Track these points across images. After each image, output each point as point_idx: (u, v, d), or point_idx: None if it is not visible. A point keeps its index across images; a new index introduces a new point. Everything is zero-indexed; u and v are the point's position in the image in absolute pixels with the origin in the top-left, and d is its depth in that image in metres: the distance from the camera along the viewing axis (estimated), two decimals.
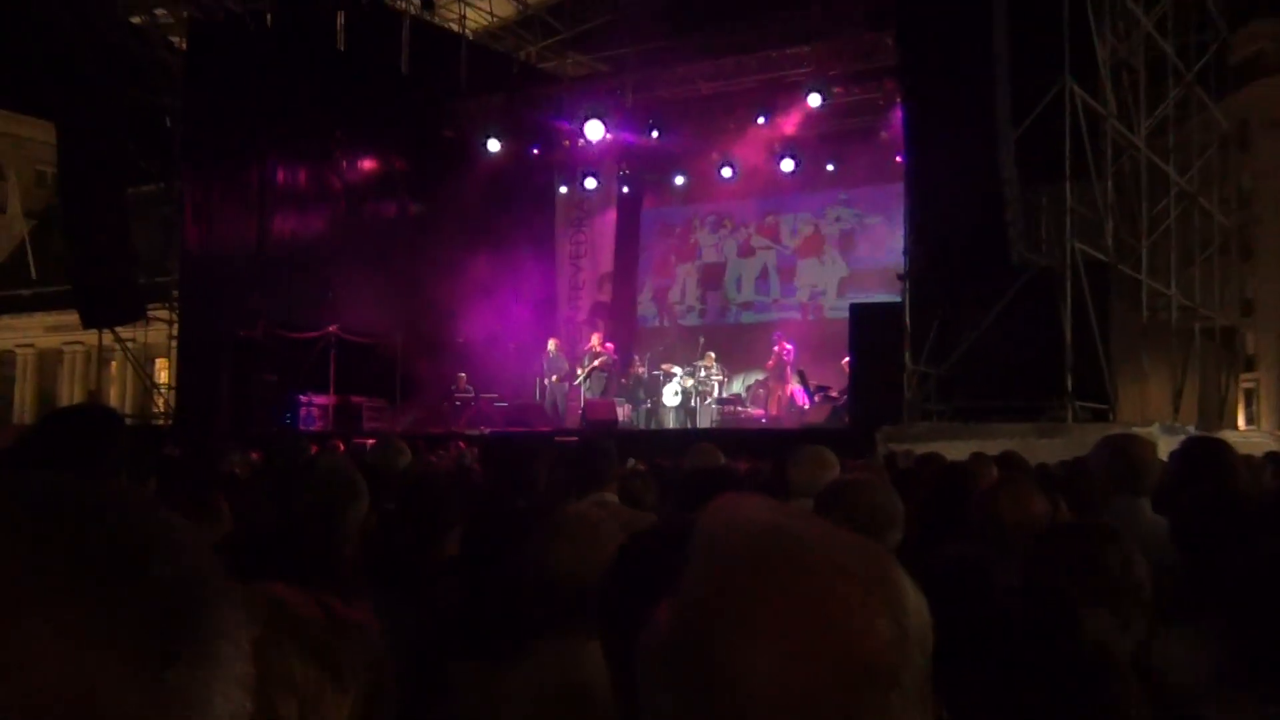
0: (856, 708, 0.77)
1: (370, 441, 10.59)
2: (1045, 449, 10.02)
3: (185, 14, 19.95)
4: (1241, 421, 31.79)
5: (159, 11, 20.02)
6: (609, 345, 20.76)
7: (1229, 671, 2.22)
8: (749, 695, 0.77)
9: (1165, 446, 4.95)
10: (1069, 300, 13.80)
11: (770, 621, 0.78)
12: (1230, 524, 2.90)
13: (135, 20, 19.97)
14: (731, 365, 21.26)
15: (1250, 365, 38.01)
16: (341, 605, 1.31)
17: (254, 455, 9.18)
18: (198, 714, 0.54)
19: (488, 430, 17.60)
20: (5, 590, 0.52)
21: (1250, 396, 38.77)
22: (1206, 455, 4.03)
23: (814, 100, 20.26)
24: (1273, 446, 13.75)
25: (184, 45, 20.36)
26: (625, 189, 24.77)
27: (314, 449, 9.19)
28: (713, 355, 20.50)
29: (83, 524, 0.56)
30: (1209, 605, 2.58)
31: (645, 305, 25.19)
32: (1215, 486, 3.65)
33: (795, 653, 0.77)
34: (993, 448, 8.53)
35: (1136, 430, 10.03)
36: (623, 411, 19.68)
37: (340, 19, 19.71)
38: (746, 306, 24.17)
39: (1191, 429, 15.39)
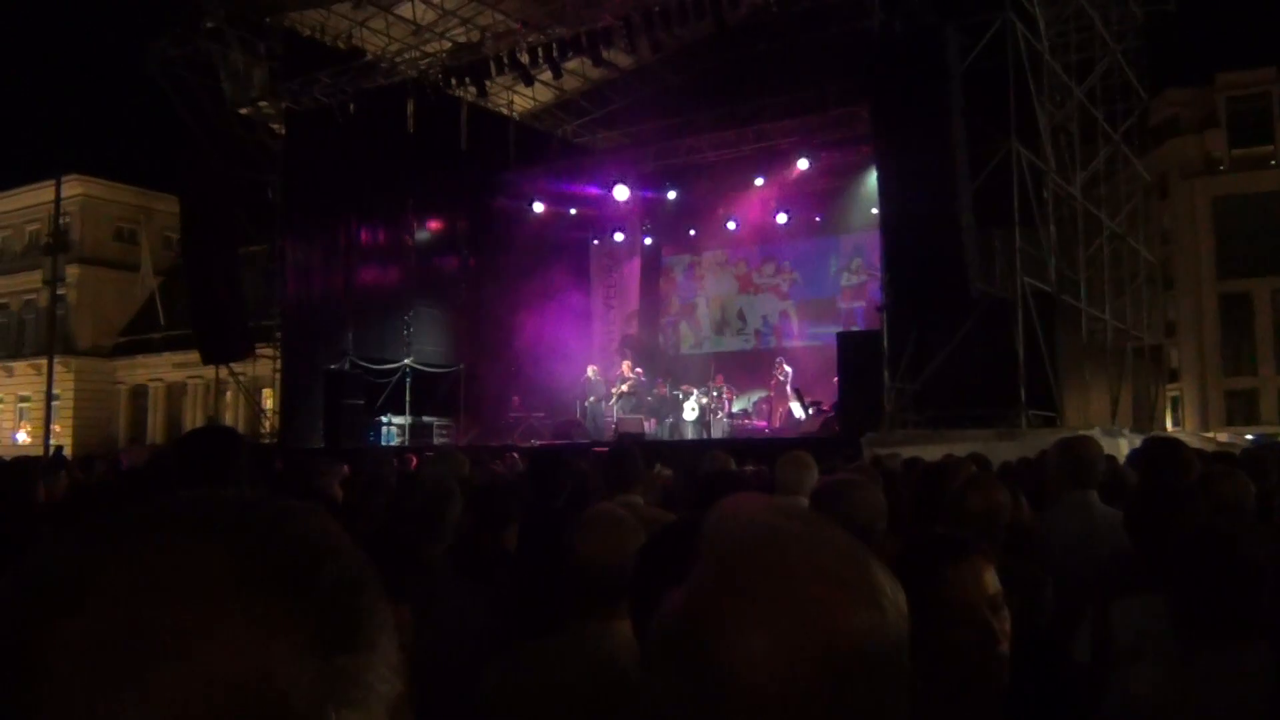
0: (832, 691, 0.74)
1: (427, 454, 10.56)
2: (1004, 450, 9.90)
3: (283, 105, 20.14)
4: (1169, 424, 31.46)
5: (262, 104, 20.22)
6: (637, 370, 20.70)
7: (1159, 631, 2.22)
8: (737, 678, 0.75)
9: (1106, 446, 4.88)
10: (1020, 325, 13.69)
11: (758, 614, 0.76)
12: (1171, 514, 2.85)
13: (243, 111, 20.18)
14: (738, 385, 21.15)
15: (1174, 377, 37.67)
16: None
17: (345, 468, 9.14)
18: (360, 694, 0.54)
19: (537, 443, 17.57)
20: (203, 586, 0.53)
21: (1175, 403, 38.41)
22: (1166, 452, 3.97)
23: (802, 164, 20.28)
24: (1195, 444, 13.55)
25: (283, 131, 20.54)
26: (647, 240, 24.76)
27: (394, 461, 9.17)
28: (722, 377, 20.43)
29: (267, 532, 0.57)
30: (1148, 581, 2.55)
31: (666, 337, 25.13)
32: (1161, 483, 3.59)
33: (778, 642, 0.75)
34: (960, 450, 8.44)
35: (1082, 433, 9.90)
36: (649, 426, 19.59)
37: (410, 106, 19.86)
38: (750, 336, 24.07)
39: (1127, 431, 15.23)
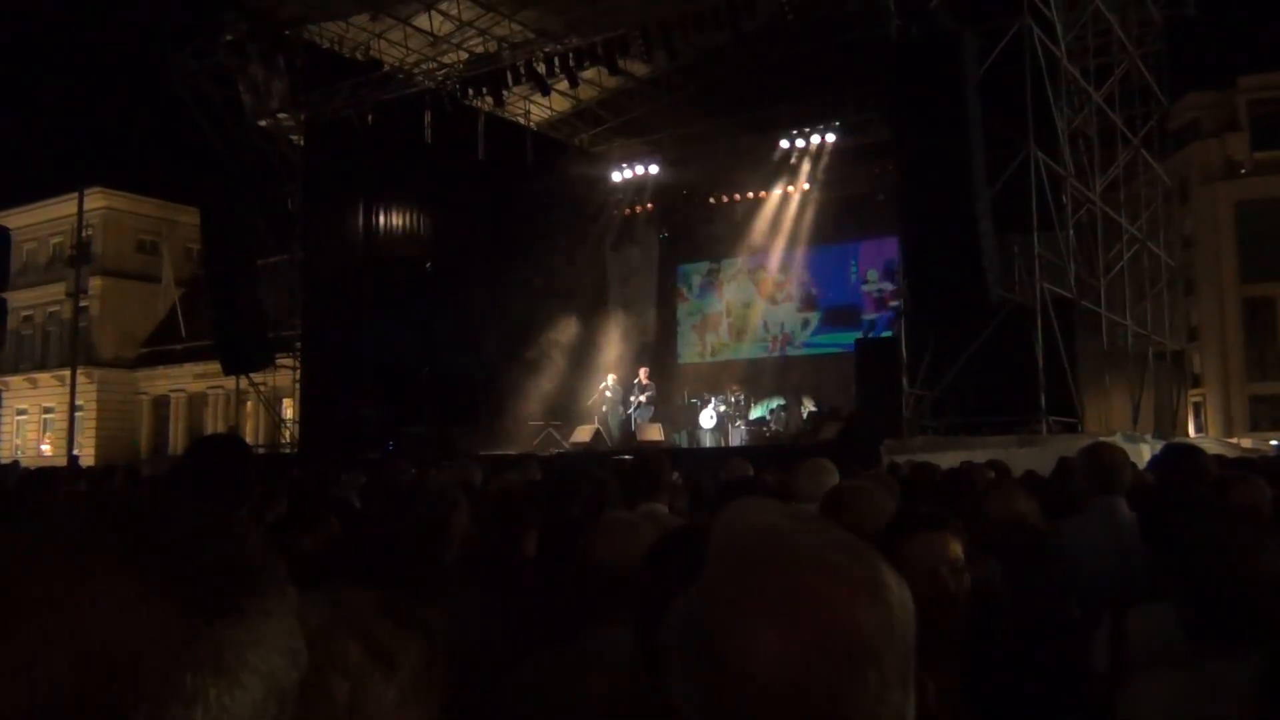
0: (840, 687, 0.76)
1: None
2: (1024, 457, 9.86)
3: (302, 116, 20.29)
4: (1191, 430, 31.19)
5: (281, 115, 20.38)
6: (653, 379, 20.71)
7: (1174, 639, 2.22)
8: (748, 675, 0.76)
9: (1128, 452, 4.86)
10: (1040, 331, 13.63)
11: (768, 612, 0.77)
12: (1183, 520, 2.84)
13: (263, 123, 20.34)
14: (756, 393, 21.12)
15: (1197, 382, 37.40)
16: (410, 605, 1.32)
17: (361, 477, 9.17)
18: (227, 663, 0.59)
19: (557, 451, 17.60)
20: (78, 557, 0.59)
21: (1198, 409, 38.12)
22: (1183, 458, 3.96)
23: (820, 171, 20.28)
24: (1219, 450, 13.46)
25: (302, 142, 20.69)
26: (664, 248, 24.81)
27: (410, 470, 9.19)
28: (739, 385, 20.42)
29: (156, 519, 0.64)
30: (1165, 588, 2.54)
31: (683, 344, 25.13)
32: (1175, 488, 3.57)
33: (788, 640, 0.76)
34: (980, 457, 8.42)
35: (1104, 439, 9.85)
36: (666, 433, 19.60)
37: (428, 117, 19.98)
38: (769, 343, 24.01)
39: (1149, 437, 15.12)
